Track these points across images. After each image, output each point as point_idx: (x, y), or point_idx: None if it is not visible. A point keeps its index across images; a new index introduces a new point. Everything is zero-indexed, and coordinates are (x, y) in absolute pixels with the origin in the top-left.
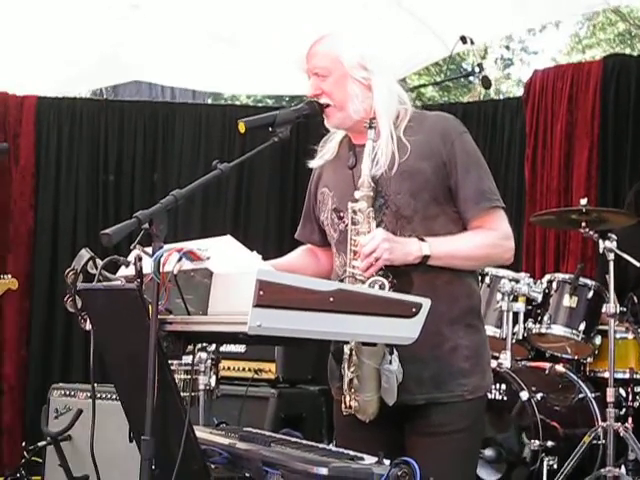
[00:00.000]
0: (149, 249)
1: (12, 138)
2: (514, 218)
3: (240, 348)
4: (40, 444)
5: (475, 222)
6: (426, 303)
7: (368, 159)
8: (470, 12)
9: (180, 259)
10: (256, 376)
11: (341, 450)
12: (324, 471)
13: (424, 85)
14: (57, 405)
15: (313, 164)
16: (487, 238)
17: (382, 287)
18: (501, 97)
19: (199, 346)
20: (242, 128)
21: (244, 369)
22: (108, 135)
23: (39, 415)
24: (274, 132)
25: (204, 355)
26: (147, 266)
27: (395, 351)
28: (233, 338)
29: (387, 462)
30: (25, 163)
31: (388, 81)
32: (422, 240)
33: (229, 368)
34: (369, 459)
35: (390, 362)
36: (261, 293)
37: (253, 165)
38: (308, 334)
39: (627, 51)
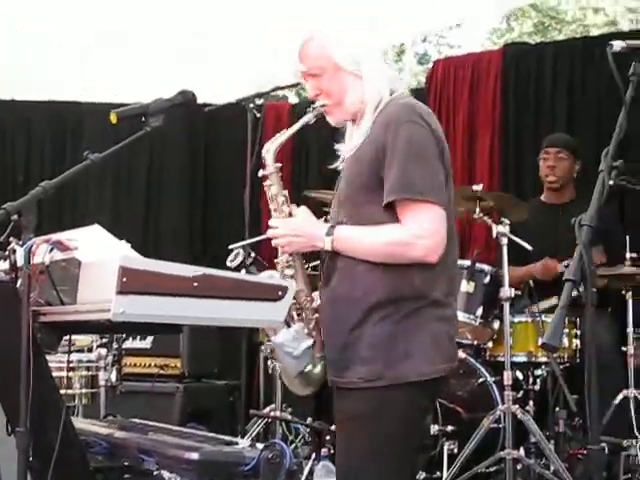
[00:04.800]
0: None
1: None
2: None
3: (145, 344)
4: None
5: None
6: (291, 286)
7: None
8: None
9: (51, 250)
10: (162, 372)
11: (219, 436)
12: (195, 456)
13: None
14: None
15: (338, 165)
16: (395, 236)
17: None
18: None
19: (98, 342)
20: (114, 118)
21: (149, 365)
22: (15, 135)
23: None
24: (146, 122)
25: (103, 351)
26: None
27: (295, 324)
28: (104, 327)
29: (260, 446)
30: None
31: (377, 68)
32: (330, 233)
33: (135, 365)
34: (243, 443)
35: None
36: (124, 280)
37: (163, 162)
38: (173, 319)
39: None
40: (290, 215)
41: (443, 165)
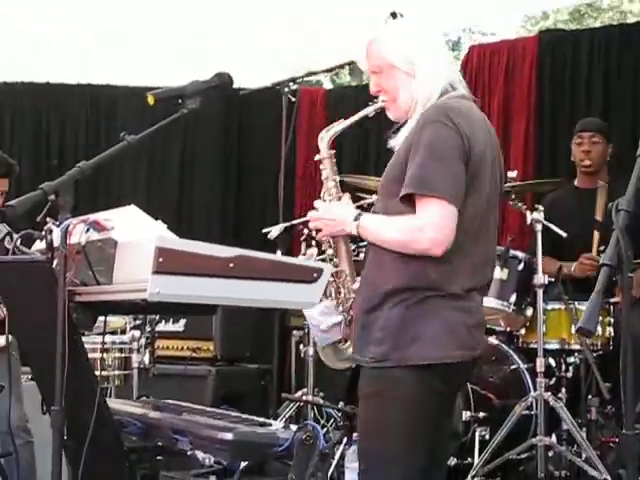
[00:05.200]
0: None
1: None
2: None
3: (178, 327)
4: None
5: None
6: (327, 269)
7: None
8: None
9: (88, 230)
10: (194, 355)
11: (253, 417)
12: (229, 436)
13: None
14: None
15: None
16: (403, 227)
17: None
18: None
19: (132, 324)
20: (151, 100)
21: (182, 348)
22: (50, 119)
23: None
24: (183, 104)
25: (137, 333)
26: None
27: (326, 300)
28: (140, 307)
29: (293, 427)
30: None
31: (430, 68)
32: (356, 219)
33: (167, 347)
34: (276, 424)
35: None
36: (160, 260)
37: (197, 145)
38: (208, 300)
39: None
40: (339, 200)
41: (467, 164)
